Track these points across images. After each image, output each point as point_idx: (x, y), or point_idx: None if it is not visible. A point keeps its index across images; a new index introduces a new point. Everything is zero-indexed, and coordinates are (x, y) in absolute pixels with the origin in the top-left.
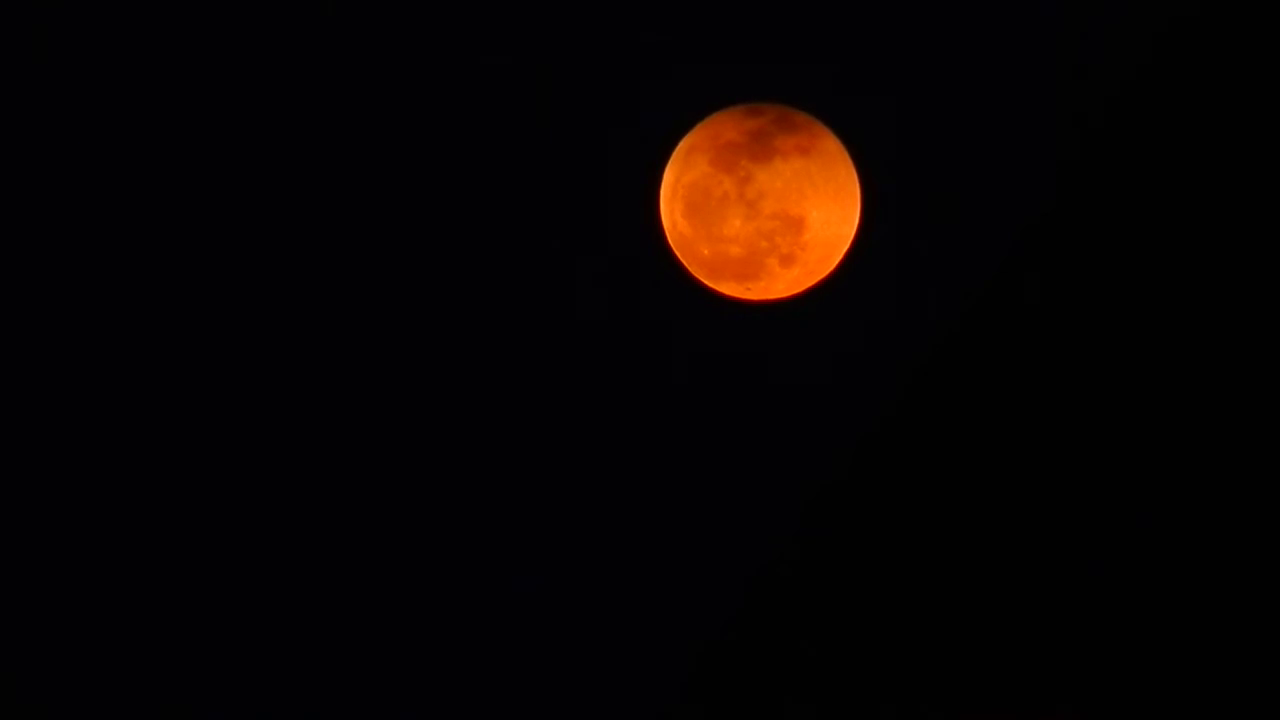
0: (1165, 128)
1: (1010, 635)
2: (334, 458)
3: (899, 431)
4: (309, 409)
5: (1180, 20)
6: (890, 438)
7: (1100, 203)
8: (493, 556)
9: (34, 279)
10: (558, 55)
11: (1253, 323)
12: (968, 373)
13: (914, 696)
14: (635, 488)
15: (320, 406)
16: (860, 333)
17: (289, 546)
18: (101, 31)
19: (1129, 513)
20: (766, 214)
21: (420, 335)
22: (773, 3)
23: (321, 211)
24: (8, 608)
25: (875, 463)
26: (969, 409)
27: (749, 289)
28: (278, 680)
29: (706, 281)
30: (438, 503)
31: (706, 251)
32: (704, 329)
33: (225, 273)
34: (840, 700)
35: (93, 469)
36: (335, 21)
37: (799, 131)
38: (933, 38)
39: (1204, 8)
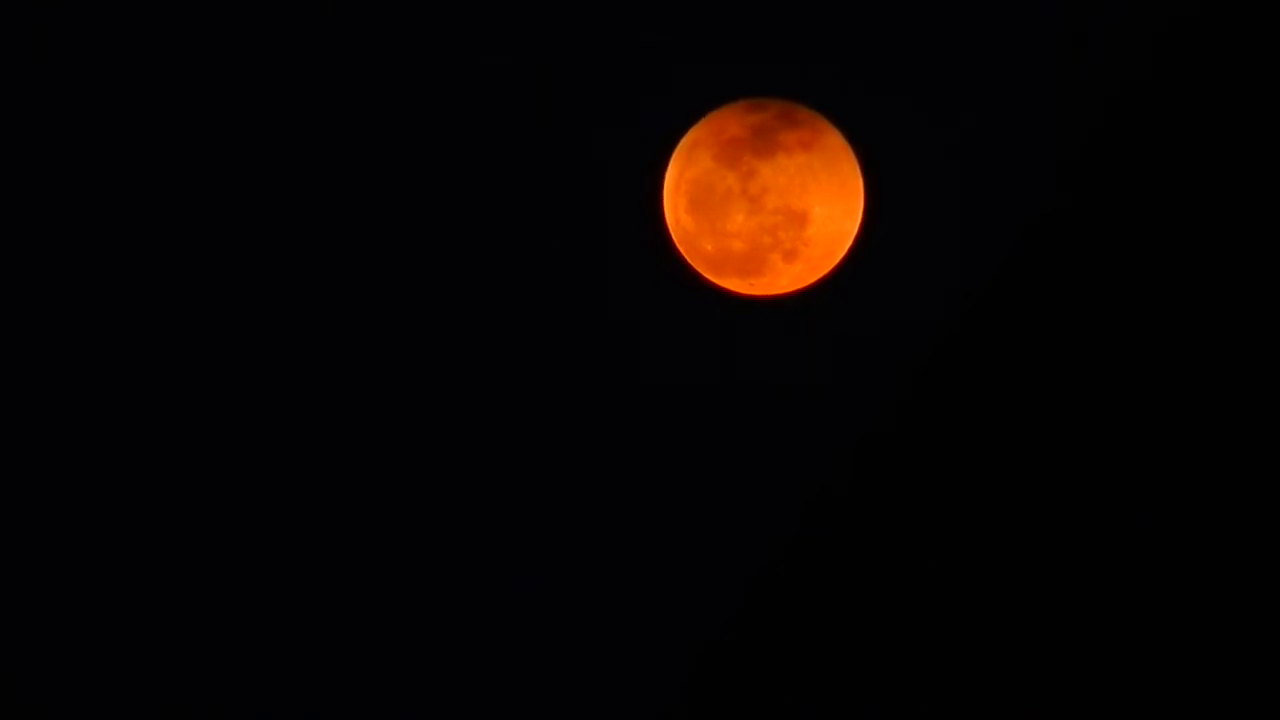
0: (1165, 128)
1: (1010, 635)
2: (334, 458)
3: (899, 431)
4: (309, 409)
5: (1180, 20)
6: (890, 438)
7: (1100, 203)
8: (493, 556)
9: (34, 279)
10: (558, 55)
11: (1253, 323)
12: (968, 372)
13: (914, 697)
14: (635, 486)
15: (319, 406)
16: (862, 329)
17: (289, 546)
18: (102, 31)
19: (1129, 513)
20: (769, 209)
21: (421, 334)
22: (772, 2)
23: (321, 211)
24: (8, 608)
25: (875, 463)
26: (969, 409)
27: (752, 284)
28: (278, 680)
29: (710, 277)
30: (438, 503)
31: (710, 247)
32: (707, 325)
33: (223, 273)
34: (840, 700)
35: (93, 469)
36: (335, 21)
37: (802, 127)
38: (934, 35)
39: (1204, 8)
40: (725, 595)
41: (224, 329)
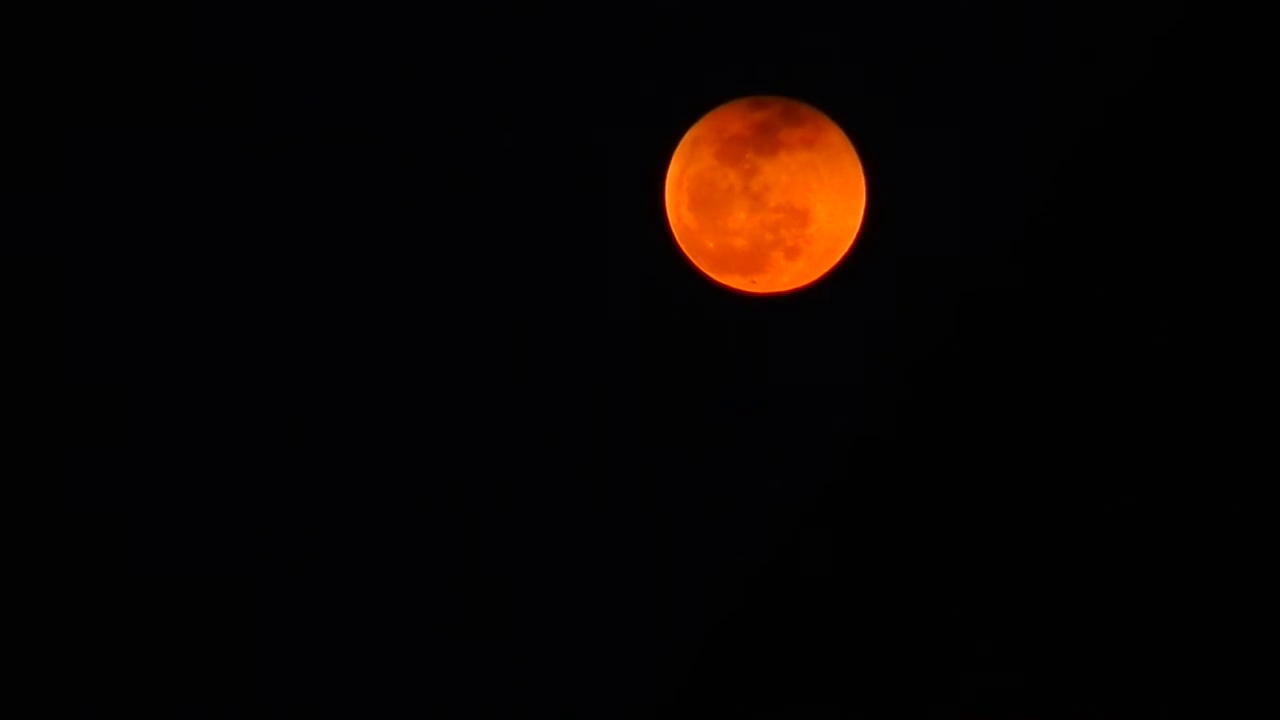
0: (1164, 127)
1: (1013, 635)
2: (335, 457)
3: (899, 431)
4: (309, 409)
5: (1180, 20)
6: (890, 438)
7: (1100, 202)
8: (492, 556)
9: (34, 279)
10: (558, 55)
11: (1253, 323)
12: (968, 371)
13: (915, 697)
14: (635, 484)
15: (320, 406)
16: (864, 327)
17: (289, 546)
18: (101, 31)
19: (1129, 512)
20: (771, 207)
21: (420, 334)
22: (774, 1)
23: (321, 211)
24: (8, 607)
25: (875, 463)
26: (969, 408)
27: (754, 282)
28: (278, 680)
29: (711, 275)
30: (437, 502)
31: (711, 244)
32: (708, 322)
33: (221, 273)
34: (841, 701)
35: (93, 469)
36: (335, 21)
37: (804, 124)
38: (936, 34)
39: (1204, 8)
40: (725, 595)
41: (222, 329)
